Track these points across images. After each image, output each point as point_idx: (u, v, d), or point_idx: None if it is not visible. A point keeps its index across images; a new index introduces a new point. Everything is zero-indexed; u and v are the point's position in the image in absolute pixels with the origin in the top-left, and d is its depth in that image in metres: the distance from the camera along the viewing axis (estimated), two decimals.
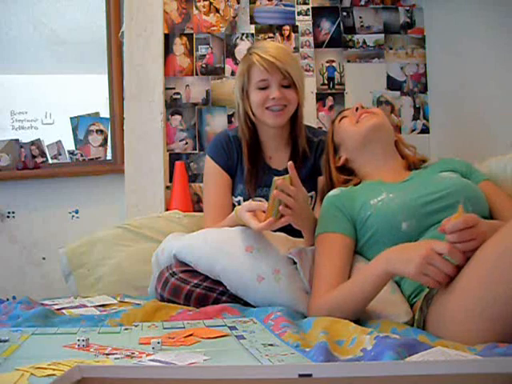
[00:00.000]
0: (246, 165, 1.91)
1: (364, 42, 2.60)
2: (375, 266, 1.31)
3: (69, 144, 2.70)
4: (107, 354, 1.10)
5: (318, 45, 2.58)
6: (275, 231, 1.65)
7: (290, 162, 1.52)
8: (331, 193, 1.65)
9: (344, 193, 1.62)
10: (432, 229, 1.45)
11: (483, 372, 0.71)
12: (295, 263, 1.58)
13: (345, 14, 2.60)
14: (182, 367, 0.86)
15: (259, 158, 1.94)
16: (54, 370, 0.97)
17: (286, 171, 1.82)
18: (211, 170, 1.96)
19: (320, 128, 2.37)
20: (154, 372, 0.75)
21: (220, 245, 1.62)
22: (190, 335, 1.25)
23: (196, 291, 1.60)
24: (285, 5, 2.57)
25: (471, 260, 1.16)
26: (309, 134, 1.97)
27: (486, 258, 1.12)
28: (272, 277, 1.53)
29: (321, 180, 1.87)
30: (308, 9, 2.58)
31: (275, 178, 1.49)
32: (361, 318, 1.38)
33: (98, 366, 0.91)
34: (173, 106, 2.50)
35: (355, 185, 1.69)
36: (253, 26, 2.55)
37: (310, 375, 0.71)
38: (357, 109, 1.74)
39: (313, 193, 1.90)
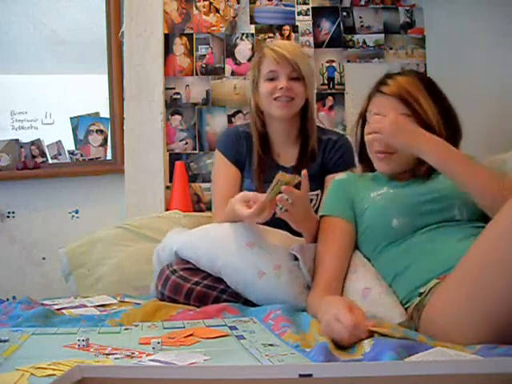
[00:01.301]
0: (256, 159, 1.91)
1: (364, 42, 2.60)
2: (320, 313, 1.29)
3: (69, 144, 2.70)
4: (107, 354, 1.10)
5: (318, 45, 2.58)
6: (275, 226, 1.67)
7: (305, 171, 1.52)
8: (338, 176, 1.66)
9: (351, 178, 1.63)
10: (423, 230, 1.44)
11: (483, 372, 0.71)
12: (296, 259, 1.58)
13: (345, 14, 2.60)
14: (182, 367, 0.86)
15: (268, 153, 1.94)
16: (54, 370, 0.97)
17: (293, 168, 1.85)
18: (220, 163, 1.96)
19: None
20: (154, 372, 0.75)
21: (221, 240, 1.63)
22: (190, 335, 1.25)
23: (196, 289, 1.61)
24: (285, 5, 2.57)
25: (458, 266, 1.20)
26: (318, 132, 1.96)
27: (470, 266, 1.16)
28: (273, 272, 1.54)
29: (328, 179, 1.86)
30: (308, 9, 2.58)
31: (280, 173, 1.49)
32: None
33: (98, 365, 0.91)
34: (173, 106, 2.50)
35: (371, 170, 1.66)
36: (253, 26, 2.55)
37: (310, 375, 0.71)
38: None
39: (318, 191, 1.89)
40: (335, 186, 1.63)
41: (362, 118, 1.63)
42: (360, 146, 1.66)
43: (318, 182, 1.88)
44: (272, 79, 1.85)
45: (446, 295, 1.21)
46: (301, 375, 0.72)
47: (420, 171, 1.55)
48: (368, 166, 1.64)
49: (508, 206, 1.13)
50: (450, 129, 1.56)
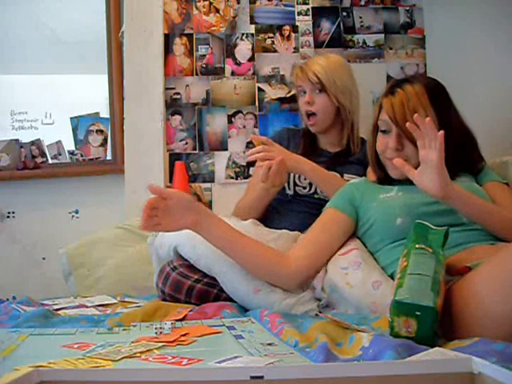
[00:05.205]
0: (302, 147, 2.06)
1: (364, 42, 2.60)
2: None
3: (69, 144, 2.70)
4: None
5: (318, 45, 2.57)
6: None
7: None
8: (354, 180, 1.73)
9: (363, 183, 1.67)
10: None
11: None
12: None
13: (345, 14, 2.60)
14: (138, 370, 0.84)
15: (315, 144, 2.10)
16: None
17: (336, 154, 2.05)
18: None
19: None
20: (113, 375, 0.73)
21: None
22: (186, 334, 1.24)
23: (197, 287, 1.61)
24: (285, 5, 2.57)
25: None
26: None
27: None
28: (268, 289, 1.53)
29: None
30: (308, 9, 2.58)
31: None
32: (364, 312, 1.41)
33: (58, 369, 0.88)
34: (173, 105, 2.50)
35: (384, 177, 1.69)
36: (253, 26, 2.55)
37: (261, 377, 0.70)
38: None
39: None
40: (346, 186, 1.68)
41: (375, 127, 1.63)
42: (372, 154, 1.66)
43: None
44: (302, 93, 2.04)
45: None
46: (252, 377, 0.70)
47: None
48: (381, 173, 1.64)
49: None
50: (451, 135, 1.52)
